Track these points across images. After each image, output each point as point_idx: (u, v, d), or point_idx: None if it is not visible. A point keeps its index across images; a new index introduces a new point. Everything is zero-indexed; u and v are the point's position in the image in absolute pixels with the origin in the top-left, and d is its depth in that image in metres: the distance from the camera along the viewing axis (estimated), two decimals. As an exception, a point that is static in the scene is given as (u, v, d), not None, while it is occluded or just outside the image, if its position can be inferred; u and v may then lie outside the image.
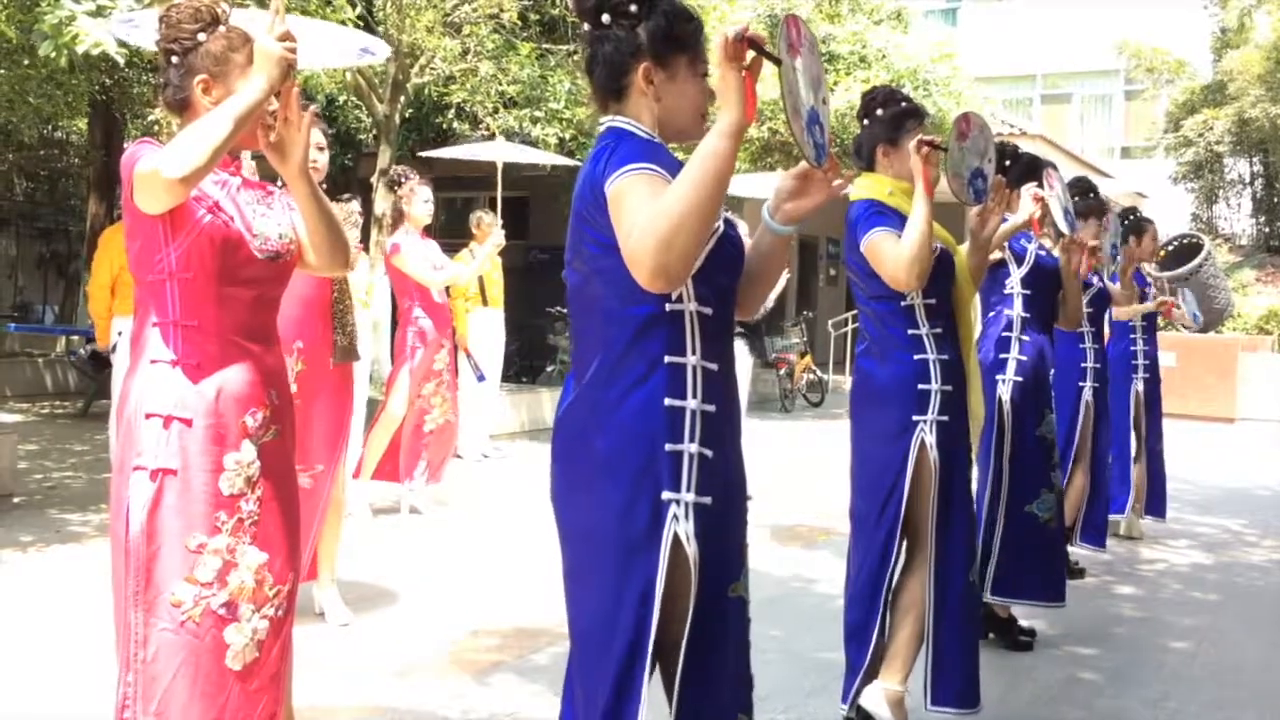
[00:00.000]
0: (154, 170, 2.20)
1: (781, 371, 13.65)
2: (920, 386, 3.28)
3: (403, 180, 6.46)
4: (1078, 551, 5.63)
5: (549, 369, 12.89)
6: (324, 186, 4.14)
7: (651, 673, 2.09)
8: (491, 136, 10.53)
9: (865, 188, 3.36)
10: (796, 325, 14.53)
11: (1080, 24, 25.56)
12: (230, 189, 2.45)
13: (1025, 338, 4.42)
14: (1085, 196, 5.27)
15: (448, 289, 6.85)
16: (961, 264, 3.42)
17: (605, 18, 2.15)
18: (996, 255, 4.33)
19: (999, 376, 4.36)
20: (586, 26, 2.19)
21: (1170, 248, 7.09)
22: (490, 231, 7.81)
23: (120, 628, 2.32)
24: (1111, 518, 6.37)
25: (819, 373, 14.63)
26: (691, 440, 2.09)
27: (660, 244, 1.91)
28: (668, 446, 2.08)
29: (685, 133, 2.21)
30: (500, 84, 10.60)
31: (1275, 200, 25.15)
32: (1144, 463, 6.51)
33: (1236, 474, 9.99)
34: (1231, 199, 25.85)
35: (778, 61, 2.01)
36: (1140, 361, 6.42)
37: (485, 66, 10.53)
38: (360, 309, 4.70)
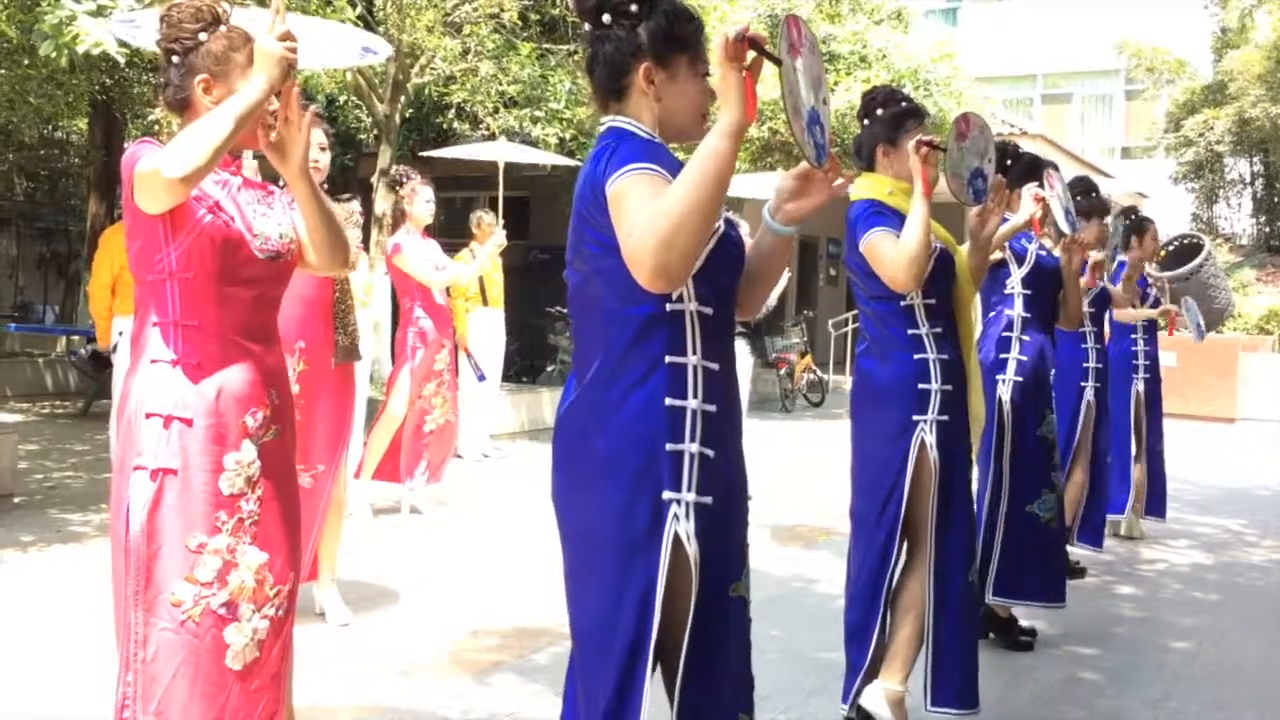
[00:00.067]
0: (154, 170, 2.20)
1: (782, 371, 13.65)
2: (920, 386, 3.28)
3: (404, 180, 6.46)
4: (1077, 551, 5.63)
5: (549, 369, 12.89)
6: (325, 187, 4.15)
7: (653, 673, 2.09)
8: (492, 136, 10.54)
9: (865, 188, 3.36)
10: (797, 325, 14.53)
11: (1081, 24, 25.56)
12: (231, 189, 2.45)
13: (1026, 338, 4.42)
14: (1087, 196, 5.27)
15: (448, 289, 6.85)
16: (962, 264, 3.41)
17: (606, 18, 2.15)
18: (997, 255, 4.33)
19: (999, 376, 4.36)
20: (587, 26, 2.19)
21: (1171, 248, 7.09)
22: (490, 231, 7.82)
23: (120, 627, 2.32)
24: (1112, 518, 6.38)
25: (819, 373, 14.64)
26: (692, 440, 2.09)
27: (660, 244, 1.91)
28: (668, 446, 2.08)
29: (686, 133, 2.21)
30: (500, 84, 10.60)
31: (1276, 200, 25.14)
32: (1144, 463, 6.51)
33: (1237, 474, 10.00)
34: (1232, 199, 25.85)
35: (778, 62, 2.01)
36: (1141, 361, 6.42)
37: (486, 66, 10.53)
38: (359, 309, 4.70)
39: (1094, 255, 5.11)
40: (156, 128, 11.39)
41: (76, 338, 12.03)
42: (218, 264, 2.36)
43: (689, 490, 2.08)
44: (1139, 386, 6.40)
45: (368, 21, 10.09)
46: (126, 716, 2.28)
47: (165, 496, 2.30)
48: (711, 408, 2.12)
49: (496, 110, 10.71)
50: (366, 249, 6.68)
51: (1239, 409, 14.56)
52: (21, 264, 19.45)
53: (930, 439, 3.25)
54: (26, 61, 9.01)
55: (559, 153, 10.79)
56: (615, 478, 2.08)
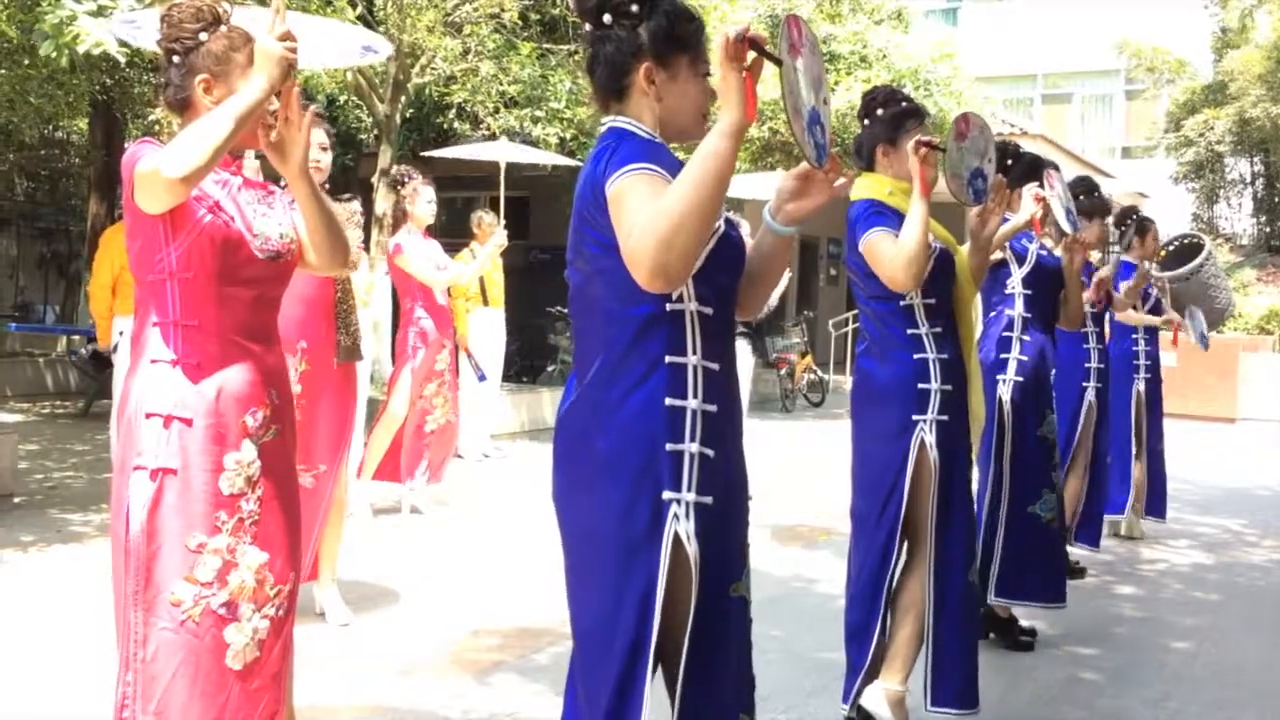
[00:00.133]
0: (154, 170, 2.20)
1: (782, 371, 13.65)
2: (920, 386, 3.28)
3: (406, 180, 6.47)
4: (1077, 551, 5.63)
5: (550, 369, 12.89)
6: (326, 187, 4.15)
7: (654, 673, 2.09)
8: (492, 136, 10.54)
9: (865, 188, 3.36)
10: (797, 325, 14.52)
11: (1081, 24, 25.55)
12: (231, 189, 2.45)
13: (1026, 338, 4.42)
14: (1089, 196, 5.27)
15: (448, 289, 6.85)
16: (962, 264, 3.41)
17: (607, 18, 2.15)
18: (998, 255, 4.33)
19: (1000, 376, 4.36)
20: (588, 27, 2.19)
21: (1171, 248, 7.09)
22: (491, 231, 7.82)
23: (120, 627, 2.32)
24: (1112, 518, 6.38)
25: (820, 373, 14.63)
26: (692, 440, 2.09)
27: (660, 244, 1.91)
28: (668, 446, 2.08)
29: (686, 133, 2.21)
30: (501, 84, 10.60)
31: (1276, 200, 25.13)
32: (1144, 463, 6.51)
33: (1237, 474, 9.99)
34: (1232, 199, 25.84)
35: (779, 62, 2.01)
36: (1142, 361, 6.42)
37: (486, 66, 10.53)
38: (360, 309, 4.70)
39: (1100, 273, 5.11)
40: (157, 128, 11.39)
41: (77, 337, 12.03)
42: (218, 264, 2.36)
43: (689, 490, 2.08)
44: (1140, 386, 6.40)
45: (368, 22, 10.09)
46: (126, 716, 2.28)
47: (165, 496, 2.30)
48: (712, 408, 2.12)
49: (497, 110, 10.71)
50: (367, 249, 6.68)
51: (1239, 409, 14.56)
52: (22, 264, 19.45)
53: (930, 439, 3.25)
54: (27, 61, 9.01)
55: (559, 153, 10.79)
56: (615, 478, 2.08)
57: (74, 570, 5.03)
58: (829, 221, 17.71)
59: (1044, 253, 4.50)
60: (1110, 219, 5.74)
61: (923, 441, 3.26)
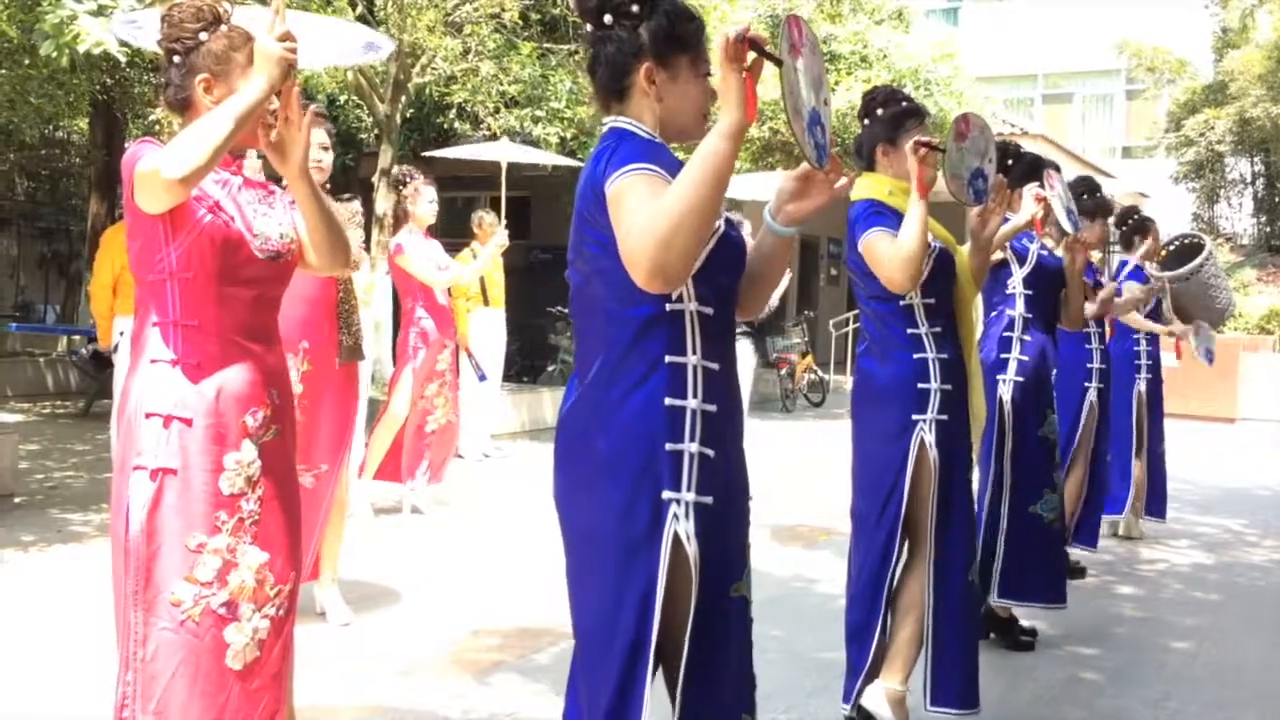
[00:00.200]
0: (154, 170, 2.20)
1: (783, 371, 13.65)
2: (920, 385, 3.28)
3: (407, 180, 6.46)
4: (1076, 551, 5.63)
5: (550, 369, 12.89)
6: (326, 186, 4.15)
7: (654, 673, 2.09)
8: (493, 136, 10.54)
9: (865, 187, 3.36)
10: (798, 325, 14.52)
11: (1081, 24, 25.55)
12: (231, 188, 2.45)
13: (1027, 338, 4.42)
14: (1091, 196, 5.27)
15: (449, 289, 6.85)
16: (963, 264, 3.41)
17: (607, 18, 2.15)
18: (999, 255, 4.33)
19: (1000, 376, 4.36)
20: (588, 27, 2.19)
21: (1171, 247, 7.07)
22: (492, 231, 7.82)
23: (120, 627, 2.32)
24: (1111, 518, 6.38)
25: (820, 372, 14.63)
26: (692, 440, 2.09)
27: (659, 244, 1.91)
28: (668, 446, 2.08)
29: (687, 133, 2.21)
30: (501, 83, 10.60)
31: (1276, 200, 25.13)
32: (1145, 463, 6.50)
33: (1237, 474, 10.00)
34: (1233, 199, 25.85)
35: (779, 62, 2.00)
36: (1143, 361, 6.42)
37: (486, 66, 10.53)
38: (361, 308, 4.70)
39: (1103, 294, 5.10)
40: (157, 127, 11.39)
41: (77, 337, 12.03)
42: (218, 264, 2.36)
43: (688, 490, 2.08)
44: (1141, 387, 6.40)
45: (368, 21, 10.09)
46: (126, 716, 2.28)
47: (165, 496, 2.30)
48: (711, 407, 2.12)
49: (497, 110, 10.71)
50: (368, 249, 6.68)
51: (1239, 409, 14.55)
52: (22, 264, 19.45)
53: (930, 438, 3.26)
54: (27, 61, 9.01)
55: (560, 152, 10.79)
56: (615, 477, 2.08)
57: (74, 570, 5.03)
58: (829, 221, 17.71)
59: (1045, 253, 4.50)
60: (1111, 219, 5.74)
61: (923, 441, 3.26)
